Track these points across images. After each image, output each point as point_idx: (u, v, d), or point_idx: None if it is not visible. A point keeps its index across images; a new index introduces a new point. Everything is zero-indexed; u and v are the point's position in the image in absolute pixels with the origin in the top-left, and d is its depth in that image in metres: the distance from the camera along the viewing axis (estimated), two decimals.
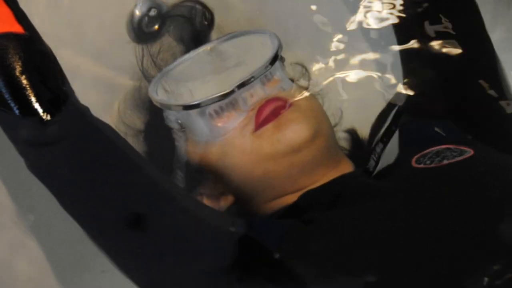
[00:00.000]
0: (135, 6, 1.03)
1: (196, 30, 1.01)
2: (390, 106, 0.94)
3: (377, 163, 0.88)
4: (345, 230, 0.72)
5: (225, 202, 0.88)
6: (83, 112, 0.79)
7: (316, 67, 0.93)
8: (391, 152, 0.88)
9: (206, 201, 0.89)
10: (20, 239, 0.92)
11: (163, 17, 1.04)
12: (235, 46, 0.94)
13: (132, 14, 1.03)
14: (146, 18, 1.04)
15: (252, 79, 0.82)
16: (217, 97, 0.83)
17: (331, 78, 0.91)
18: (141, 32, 1.03)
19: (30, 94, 0.75)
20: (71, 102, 0.78)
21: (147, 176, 0.78)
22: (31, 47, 0.77)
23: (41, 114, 0.75)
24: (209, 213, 0.80)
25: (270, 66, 0.84)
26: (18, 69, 0.75)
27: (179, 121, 0.88)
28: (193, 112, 0.85)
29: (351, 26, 0.95)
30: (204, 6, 1.03)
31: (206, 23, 1.02)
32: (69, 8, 0.99)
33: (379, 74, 0.93)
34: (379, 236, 0.70)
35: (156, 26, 1.05)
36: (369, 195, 0.78)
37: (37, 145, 0.76)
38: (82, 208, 0.77)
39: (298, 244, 0.72)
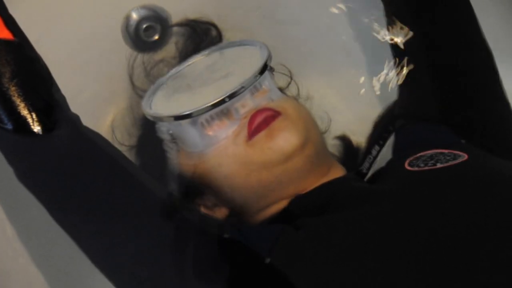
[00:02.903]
0: (132, 9, 1.03)
1: (203, 45, 1.01)
2: (386, 110, 0.94)
3: (371, 165, 0.87)
4: (335, 235, 0.71)
5: (220, 213, 0.87)
6: (74, 120, 0.78)
7: (304, 74, 0.92)
8: (385, 155, 0.88)
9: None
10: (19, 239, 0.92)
11: (167, 26, 1.03)
12: (224, 58, 0.94)
13: (128, 18, 1.02)
14: (144, 25, 1.03)
15: (243, 89, 0.82)
16: (208, 106, 0.82)
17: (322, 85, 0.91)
18: (139, 40, 1.02)
19: (19, 102, 0.74)
20: (62, 110, 0.77)
21: (140, 184, 0.77)
22: (21, 54, 0.77)
23: (31, 122, 0.74)
24: (203, 219, 0.79)
25: (259, 76, 0.83)
26: (7, 75, 0.75)
27: (170, 132, 0.87)
28: (184, 122, 0.84)
29: (343, 32, 0.95)
30: (214, 25, 1.03)
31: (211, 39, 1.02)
32: (62, 13, 0.98)
33: (374, 78, 0.93)
34: (371, 240, 0.69)
35: (157, 36, 1.04)
36: (361, 198, 0.77)
37: (26, 154, 0.75)
38: (71, 218, 0.76)
39: (288, 249, 0.71)
